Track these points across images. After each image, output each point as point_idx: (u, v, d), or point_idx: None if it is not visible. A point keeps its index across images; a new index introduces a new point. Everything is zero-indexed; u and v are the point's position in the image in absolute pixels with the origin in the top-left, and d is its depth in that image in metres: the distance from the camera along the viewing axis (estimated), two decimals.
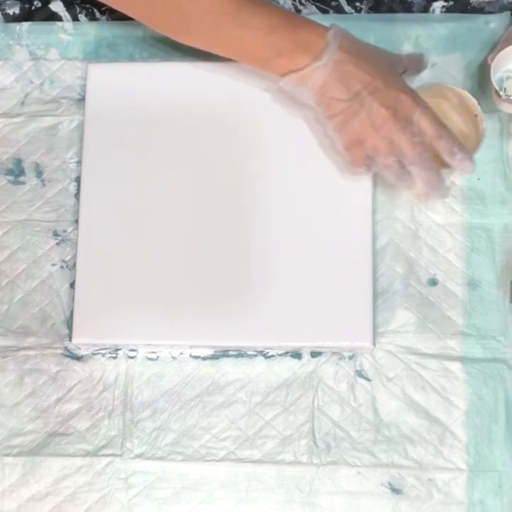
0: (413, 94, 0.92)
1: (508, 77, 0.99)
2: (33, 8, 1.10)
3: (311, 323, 0.95)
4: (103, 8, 1.09)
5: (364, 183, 0.98)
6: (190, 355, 0.99)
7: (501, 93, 0.97)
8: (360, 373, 0.97)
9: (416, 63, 0.99)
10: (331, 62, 0.91)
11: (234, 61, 1.04)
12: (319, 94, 0.93)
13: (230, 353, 0.99)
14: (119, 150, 1.01)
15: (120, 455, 0.97)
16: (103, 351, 1.00)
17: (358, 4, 1.07)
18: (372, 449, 0.95)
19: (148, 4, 0.95)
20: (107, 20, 1.09)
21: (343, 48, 0.91)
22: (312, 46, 0.91)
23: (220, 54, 0.97)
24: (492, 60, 0.97)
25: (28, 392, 0.99)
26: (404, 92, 0.92)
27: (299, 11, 1.07)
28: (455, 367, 0.96)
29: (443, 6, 1.06)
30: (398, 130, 0.91)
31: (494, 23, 1.03)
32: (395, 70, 0.95)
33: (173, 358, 0.99)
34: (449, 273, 0.98)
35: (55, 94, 1.07)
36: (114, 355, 0.99)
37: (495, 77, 0.97)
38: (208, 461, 0.96)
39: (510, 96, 0.98)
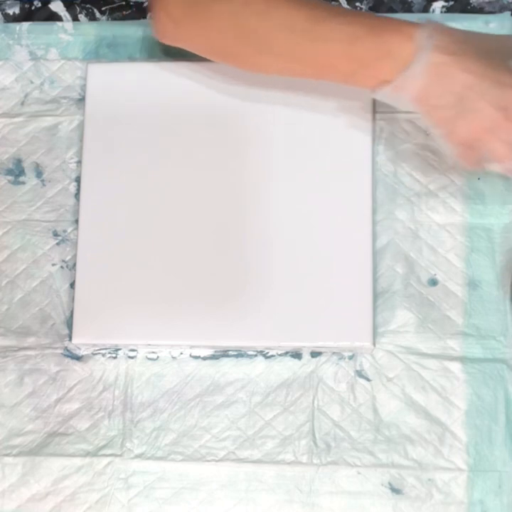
0: None
1: None
2: (33, 8, 1.10)
3: (311, 323, 0.95)
4: (103, 8, 1.09)
5: (364, 184, 0.98)
6: (190, 355, 0.99)
7: None
8: (360, 373, 0.97)
9: None
10: (426, 66, 0.82)
11: None
12: (417, 102, 0.85)
13: (230, 353, 0.99)
14: (119, 150, 1.01)
15: (120, 455, 0.97)
16: (103, 351, 1.00)
17: (358, 4, 1.07)
18: (372, 449, 0.95)
19: (219, 34, 0.90)
20: (107, 20, 1.09)
21: (440, 48, 0.81)
22: (401, 52, 0.82)
23: (299, 76, 0.91)
24: None
25: (28, 392, 0.99)
26: None
27: None
28: (455, 367, 0.96)
29: (443, 6, 1.06)
30: None
31: (494, 23, 1.03)
32: (505, 60, 0.85)
33: (173, 358, 0.99)
34: (449, 273, 0.98)
35: (55, 94, 1.07)
36: (114, 355, 0.99)
37: None
38: (208, 461, 0.96)
39: None
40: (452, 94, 0.83)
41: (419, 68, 0.82)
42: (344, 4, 1.07)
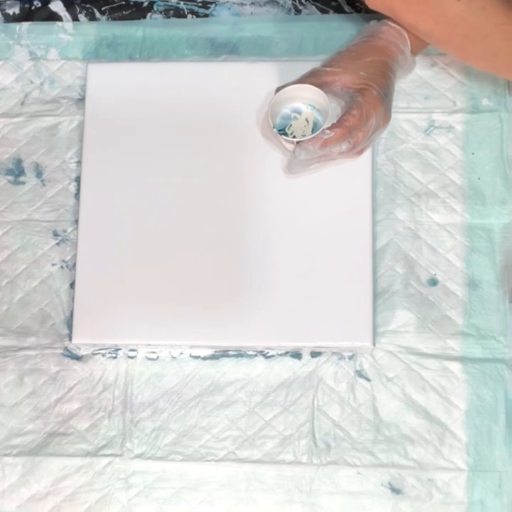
0: None
1: (294, 118, 0.97)
2: (33, 8, 1.10)
3: (311, 323, 0.95)
4: (103, 8, 1.09)
5: (364, 184, 0.98)
6: (190, 355, 0.99)
7: (288, 138, 0.94)
8: (360, 373, 0.97)
9: None
10: None
11: (233, 61, 1.04)
12: None
13: (230, 353, 0.99)
14: (119, 150, 1.01)
15: (120, 455, 0.97)
16: (103, 351, 1.00)
17: (358, 4, 1.07)
18: (372, 449, 0.95)
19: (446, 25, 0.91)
20: (107, 20, 1.09)
21: None
22: None
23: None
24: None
25: (28, 392, 0.99)
26: None
27: (299, 11, 1.07)
28: (455, 367, 0.96)
29: None
30: None
31: None
32: None
33: (173, 358, 0.99)
34: (449, 273, 0.98)
35: (55, 94, 1.07)
36: (114, 355, 0.99)
37: (277, 112, 0.95)
38: (208, 461, 0.96)
39: (295, 136, 0.96)
40: None
41: None
42: (344, 4, 1.07)
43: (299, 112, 0.97)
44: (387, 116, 0.94)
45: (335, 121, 0.91)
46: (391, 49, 0.94)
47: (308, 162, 0.94)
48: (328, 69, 0.94)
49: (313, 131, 0.96)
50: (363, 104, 0.91)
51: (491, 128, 1.01)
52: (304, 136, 0.95)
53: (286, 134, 0.96)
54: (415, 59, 0.97)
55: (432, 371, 0.96)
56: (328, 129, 0.91)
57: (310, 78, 0.95)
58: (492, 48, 0.90)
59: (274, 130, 0.95)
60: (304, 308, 0.96)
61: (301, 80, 0.95)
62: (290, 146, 0.95)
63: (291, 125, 0.97)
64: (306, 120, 0.97)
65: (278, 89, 0.95)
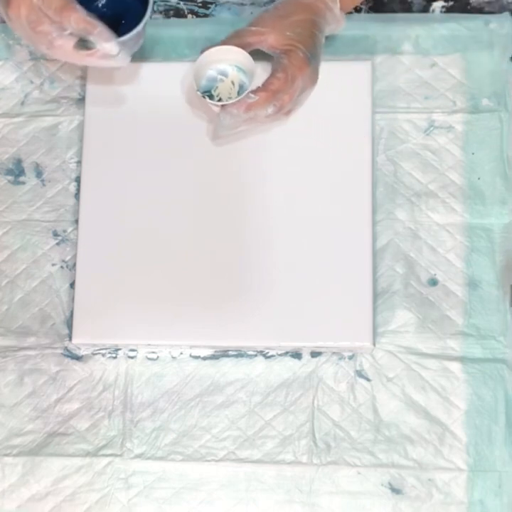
0: None
1: (220, 80, 0.96)
2: None
3: (311, 323, 0.95)
4: None
5: (364, 184, 0.98)
6: (190, 355, 0.99)
7: (213, 101, 0.93)
8: (360, 373, 0.97)
9: None
10: None
11: None
12: None
13: (230, 353, 0.99)
14: (119, 150, 1.01)
15: (120, 455, 0.97)
16: (103, 351, 1.00)
17: (357, 4, 1.07)
18: (372, 449, 0.95)
19: None
20: None
21: None
22: None
23: None
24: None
25: (28, 392, 0.99)
26: None
27: None
28: (455, 367, 0.96)
29: (443, 6, 1.06)
30: None
31: (494, 23, 1.03)
32: None
33: (173, 358, 0.99)
34: (449, 273, 0.98)
35: (55, 94, 1.07)
36: (114, 355, 0.99)
37: (203, 74, 0.95)
38: (208, 461, 0.96)
39: (221, 99, 0.95)
40: None
41: None
42: None
43: (225, 74, 0.96)
44: (313, 78, 0.93)
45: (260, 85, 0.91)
46: (319, 6, 0.92)
47: (234, 125, 0.93)
48: (253, 29, 0.92)
49: (239, 93, 0.95)
50: (288, 66, 0.90)
51: (491, 128, 1.01)
52: (230, 98, 0.94)
53: (212, 97, 0.96)
54: (344, 16, 0.96)
55: (432, 371, 0.96)
56: (252, 92, 0.90)
57: (235, 39, 0.93)
58: None
59: (198, 93, 0.94)
60: (304, 308, 0.96)
61: (227, 41, 0.94)
62: (217, 109, 0.94)
63: (217, 87, 0.96)
64: (232, 82, 0.96)
65: (203, 51, 0.94)
